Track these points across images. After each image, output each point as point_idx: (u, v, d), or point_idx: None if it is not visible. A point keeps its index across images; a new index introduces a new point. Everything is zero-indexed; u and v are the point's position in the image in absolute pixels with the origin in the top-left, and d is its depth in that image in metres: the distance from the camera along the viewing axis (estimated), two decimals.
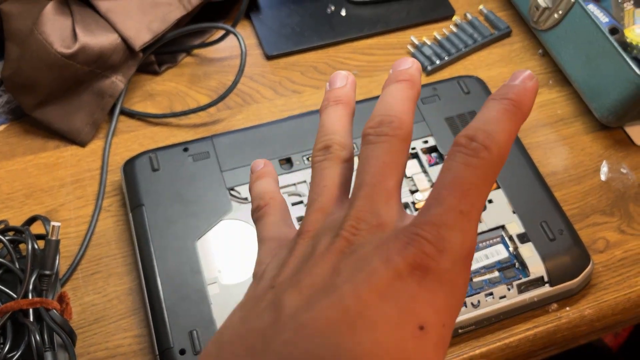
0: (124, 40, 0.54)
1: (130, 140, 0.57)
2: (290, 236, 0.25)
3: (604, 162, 0.58)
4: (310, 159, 0.53)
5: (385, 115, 0.25)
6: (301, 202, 0.51)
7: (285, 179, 0.52)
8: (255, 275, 0.25)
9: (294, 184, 0.52)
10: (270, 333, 0.19)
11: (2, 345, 0.41)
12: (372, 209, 0.22)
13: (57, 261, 0.44)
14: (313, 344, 0.18)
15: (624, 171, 0.58)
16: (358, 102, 0.58)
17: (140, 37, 0.54)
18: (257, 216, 0.28)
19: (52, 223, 0.44)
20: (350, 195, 0.23)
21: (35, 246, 0.44)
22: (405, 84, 0.26)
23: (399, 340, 0.18)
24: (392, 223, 0.22)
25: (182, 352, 0.43)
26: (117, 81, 0.55)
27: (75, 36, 0.51)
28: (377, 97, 0.57)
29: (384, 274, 0.19)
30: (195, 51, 0.64)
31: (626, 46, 0.61)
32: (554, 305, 0.50)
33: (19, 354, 0.40)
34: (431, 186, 0.52)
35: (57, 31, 0.51)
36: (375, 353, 0.18)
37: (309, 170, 0.52)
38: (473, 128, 0.22)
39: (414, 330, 0.18)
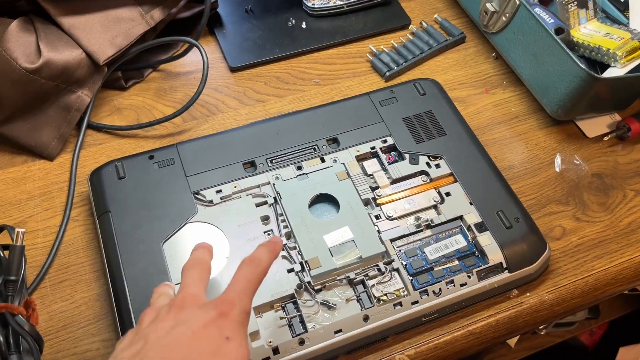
0: (88, 54, 0.55)
1: (97, 152, 0.58)
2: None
3: (558, 155, 0.61)
4: (273, 161, 0.54)
5: (194, 257, 0.42)
6: (265, 202, 0.52)
7: (249, 181, 0.53)
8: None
9: (258, 186, 0.53)
10: (143, 349, 0.34)
11: None
12: (192, 292, 0.38)
13: (22, 267, 0.45)
14: (174, 349, 0.34)
15: (577, 162, 0.60)
16: (320, 106, 0.60)
17: (104, 51, 0.56)
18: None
19: (17, 229, 0.45)
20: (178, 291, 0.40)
21: (1, 253, 0.45)
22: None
23: (218, 345, 0.34)
24: (203, 298, 0.38)
25: None
26: (83, 95, 0.57)
27: (39, 52, 0.53)
28: (332, 103, 0.59)
29: (207, 317, 0.35)
30: (161, 66, 0.65)
31: (573, 45, 0.64)
32: (515, 292, 0.51)
33: None
34: (390, 183, 0.54)
35: (21, 47, 0.52)
36: (204, 350, 0.34)
37: (272, 172, 0.54)
38: (253, 255, 0.40)
39: (224, 338, 0.34)
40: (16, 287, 0.44)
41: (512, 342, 0.79)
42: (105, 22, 0.57)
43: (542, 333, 0.84)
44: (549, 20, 0.64)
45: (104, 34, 0.56)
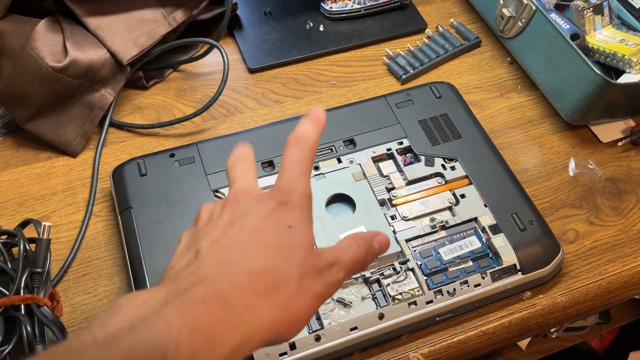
0: (112, 54, 0.57)
1: (119, 150, 0.60)
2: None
3: (572, 159, 0.61)
4: None
5: (300, 132, 0.36)
6: None
7: (267, 180, 0.54)
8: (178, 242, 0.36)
9: None
10: (200, 252, 0.31)
11: None
12: (247, 185, 0.35)
13: (48, 260, 0.46)
14: (233, 247, 0.31)
15: (591, 167, 0.61)
16: (337, 107, 0.61)
17: (128, 51, 0.57)
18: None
19: (43, 223, 0.46)
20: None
21: (27, 246, 0.46)
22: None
23: (280, 235, 0.31)
24: (257, 190, 0.35)
25: None
26: (107, 94, 0.58)
27: (65, 51, 0.54)
28: (349, 105, 0.60)
29: (265, 208, 0.32)
30: (182, 67, 0.67)
31: (588, 51, 0.65)
32: (528, 293, 0.52)
33: (10, 347, 0.42)
34: (406, 184, 0.55)
35: (48, 47, 0.54)
36: (267, 243, 0.30)
37: None
38: (296, 131, 0.35)
39: (286, 227, 0.31)
40: (42, 279, 0.46)
41: (523, 344, 0.80)
42: (129, 23, 0.58)
43: (553, 336, 0.84)
44: (565, 25, 0.65)
45: (128, 35, 0.58)
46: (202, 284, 0.28)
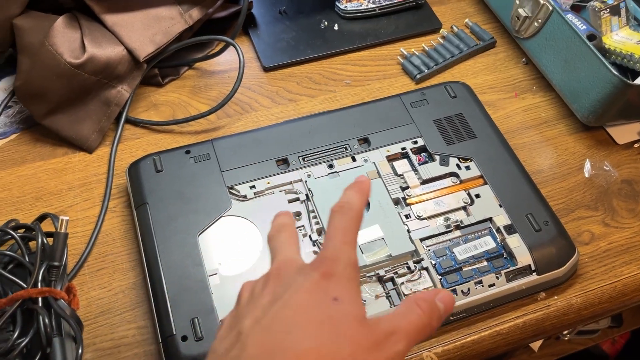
0: (129, 51, 0.57)
1: (134, 146, 0.60)
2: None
3: (587, 161, 0.61)
4: (305, 158, 0.56)
5: (345, 201, 0.35)
6: (297, 199, 0.53)
7: (282, 178, 0.54)
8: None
9: (291, 183, 0.54)
10: (242, 333, 0.29)
11: (11, 332, 0.43)
12: (289, 257, 0.33)
13: (65, 254, 0.47)
14: (275, 327, 0.28)
15: (607, 168, 0.60)
16: (352, 106, 0.61)
17: (145, 48, 0.58)
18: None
19: (61, 217, 0.47)
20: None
21: (45, 240, 0.46)
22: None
23: (325, 310, 0.29)
24: (300, 261, 0.33)
25: (184, 338, 0.45)
26: (123, 90, 0.59)
27: (83, 48, 0.55)
28: (364, 104, 0.60)
29: (308, 282, 0.30)
30: (196, 64, 0.67)
31: (604, 52, 0.65)
32: (542, 294, 0.52)
33: (27, 340, 0.42)
34: (420, 183, 0.55)
35: (67, 43, 0.54)
36: (312, 319, 0.28)
37: (304, 170, 0.55)
38: (341, 201, 0.34)
39: (331, 301, 0.29)
40: (59, 272, 0.46)
41: (535, 346, 0.79)
42: (146, 21, 0.58)
43: (565, 339, 0.84)
44: (581, 26, 0.64)
45: (145, 32, 0.58)
46: None
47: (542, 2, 0.62)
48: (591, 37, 0.63)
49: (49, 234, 0.48)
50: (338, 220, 0.33)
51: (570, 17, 0.65)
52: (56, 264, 0.46)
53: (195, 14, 0.61)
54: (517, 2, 0.65)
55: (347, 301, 0.29)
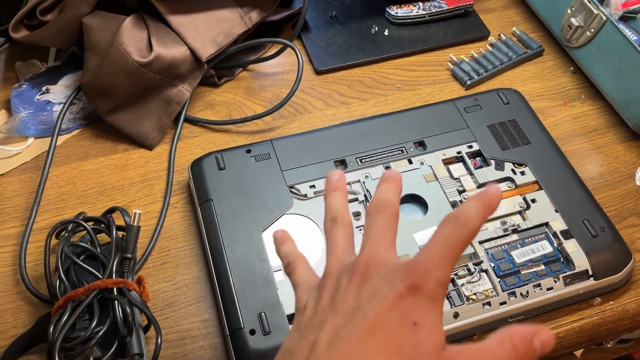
0: (192, 51, 0.59)
1: (193, 144, 0.61)
2: (316, 280, 0.34)
3: (638, 169, 0.62)
4: (362, 160, 0.57)
5: (382, 199, 0.33)
6: (356, 199, 0.54)
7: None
8: (298, 309, 0.33)
9: (349, 183, 0.55)
10: (318, 345, 0.28)
11: (87, 321, 0.44)
12: (376, 253, 0.31)
13: (136, 246, 0.48)
14: (352, 347, 0.27)
15: None
16: (406, 110, 0.62)
17: (207, 49, 0.59)
18: (289, 270, 0.37)
19: (134, 210, 0.48)
20: (361, 247, 0.32)
21: (116, 234, 0.48)
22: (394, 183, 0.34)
23: (401, 337, 0.27)
24: (391, 261, 0.30)
25: (252, 332, 0.46)
26: (184, 90, 0.60)
27: (150, 47, 0.56)
28: (418, 108, 0.61)
29: (391, 295, 0.28)
30: (251, 66, 0.68)
31: None
32: (598, 299, 0.52)
33: (105, 328, 0.43)
34: (477, 187, 0.56)
35: (135, 42, 0.56)
36: (386, 343, 0.27)
37: (362, 171, 0.56)
38: (459, 210, 0.30)
39: (411, 325, 0.27)
40: (130, 265, 0.47)
41: (578, 353, 0.80)
42: (209, 22, 0.60)
43: (608, 345, 0.84)
44: (632, 36, 0.65)
45: (208, 33, 0.59)
46: None
47: (595, 12, 0.63)
48: None
49: (119, 228, 0.49)
50: (447, 229, 0.29)
51: (620, 26, 0.65)
52: (129, 255, 0.47)
53: (254, 16, 0.62)
54: (569, 11, 0.66)
55: (427, 327, 0.27)
